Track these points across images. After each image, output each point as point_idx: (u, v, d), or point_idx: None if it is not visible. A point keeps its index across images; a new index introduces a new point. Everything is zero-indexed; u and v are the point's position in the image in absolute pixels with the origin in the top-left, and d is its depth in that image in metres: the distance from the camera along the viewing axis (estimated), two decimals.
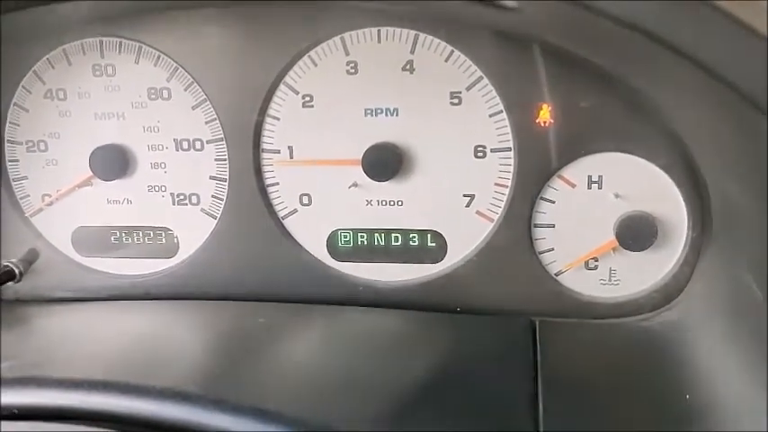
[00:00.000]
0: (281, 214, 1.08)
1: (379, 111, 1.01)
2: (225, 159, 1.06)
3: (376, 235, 1.07)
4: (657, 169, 0.96)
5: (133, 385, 0.70)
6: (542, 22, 0.75)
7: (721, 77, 0.52)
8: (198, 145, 1.07)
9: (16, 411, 0.70)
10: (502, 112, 0.98)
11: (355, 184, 1.04)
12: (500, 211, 1.02)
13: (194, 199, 1.09)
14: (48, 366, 0.78)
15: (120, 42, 1.04)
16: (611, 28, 0.52)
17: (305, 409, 0.76)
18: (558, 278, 1.03)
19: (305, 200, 1.07)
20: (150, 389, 0.69)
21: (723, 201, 0.88)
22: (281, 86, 1.02)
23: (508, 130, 0.98)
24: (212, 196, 1.09)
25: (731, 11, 0.49)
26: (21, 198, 1.13)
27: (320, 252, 1.09)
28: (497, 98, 0.97)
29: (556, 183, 0.99)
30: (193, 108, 1.05)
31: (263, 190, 1.06)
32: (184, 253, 1.12)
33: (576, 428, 0.78)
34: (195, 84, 1.04)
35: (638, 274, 1.01)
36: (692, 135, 0.89)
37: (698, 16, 0.49)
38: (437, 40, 0.97)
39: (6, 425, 0.69)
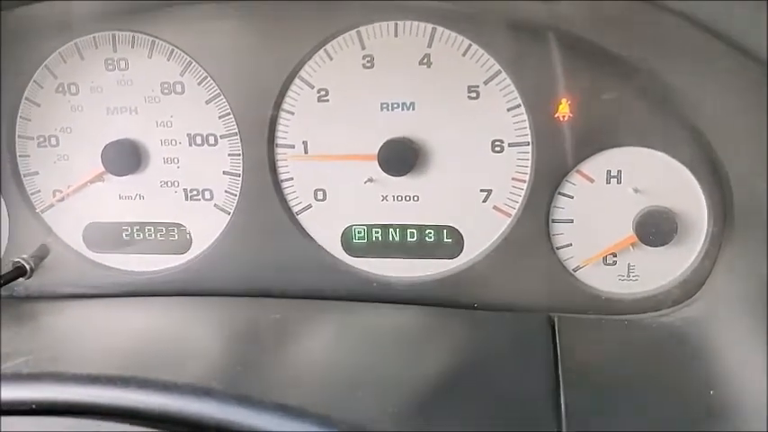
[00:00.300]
0: (295, 210, 1.07)
1: (395, 105, 1.00)
2: (239, 154, 1.05)
3: (391, 231, 1.06)
4: (677, 164, 0.95)
5: (153, 381, 0.69)
6: (582, 17, 0.74)
7: (751, 54, 0.51)
8: (211, 140, 1.06)
9: (34, 406, 0.69)
10: (520, 106, 0.97)
11: (370, 180, 1.03)
12: (518, 206, 1.01)
13: (207, 194, 1.08)
14: (63, 362, 0.77)
15: (133, 36, 1.03)
16: (654, 17, 0.51)
17: (325, 405, 0.75)
18: (576, 274, 1.02)
19: (319, 195, 1.06)
20: (172, 385, 0.68)
21: (747, 195, 0.87)
22: (296, 81, 1.01)
23: (526, 124, 0.97)
24: (226, 191, 1.08)
25: None
26: (32, 193, 1.12)
27: (335, 248, 1.08)
28: (515, 92, 0.96)
29: (574, 177, 0.98)
30: (207, 103, 1.04)
31: (277, 185, 1.05)
32: (197, 249, 1.11)
33: (598, 425, 0.77)
34: (209, 78, 1.03)
35: (658, 270, 1.00)
36: (717, 130, 0.87)
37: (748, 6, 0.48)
38: (454, 34, 0.96)
39: (6, 420, 0.68)
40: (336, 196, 1.05)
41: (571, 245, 1.01)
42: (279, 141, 1.04)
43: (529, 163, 0.99)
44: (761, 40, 0.52)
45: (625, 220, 0.98)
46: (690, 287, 0.98)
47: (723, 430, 0.76)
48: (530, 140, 0.98)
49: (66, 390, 0.69)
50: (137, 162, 1.07)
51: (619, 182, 0.98)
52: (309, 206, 1.06)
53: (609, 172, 0.98)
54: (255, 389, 0.72)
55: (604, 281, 1.02)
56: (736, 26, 0.52)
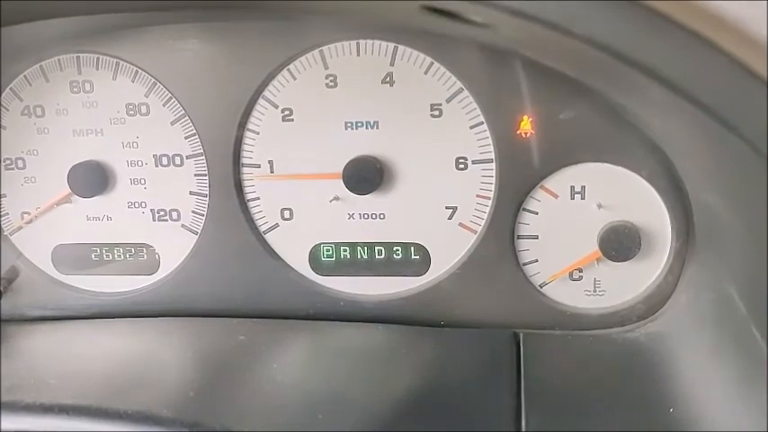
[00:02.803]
0: (262, 229, 1.07)
1: (359, 124, 1.00)
2: (205, 174, 1.05)
3: (359, 248, 1.06)
4: (640, 179, 0.95)
5: (104, 409, 0.69)
6: (517, 38, 0.74)
7: (699, 103, 0.51)
8: (177, 160, 1.06)
9: None
10: (482, 123, 0.97)
11: (337, 198, 1.03)
12: (483, 222, 1.01)
13: (174, 215, 1.08)
14: (21, 390, 0.76)
15: (98, 58, 1.03)
16: (587, 49, 0.52)
17: (284, 428, 0.75)
18: (543, 290, 1.02)
19: (286, 214, 1.06)
20: (122, 413, 0.68)
21: (705, 212, 0.87)
22: (261, 100, 1.01)
23: (489, 141, 0.97)
24: (193, 212, 1.07)
25: (709, 36, 0.48)
26: None
27: (302, 267, 1.08)
28: (477, 109, 0.97)
29: (538, 193, 0.99)
30: (172, 123, 1.04)
31: (243, 205, 1.05)
32: (166, 269, 1.10)
33: None
34: (174, 99, 1.03)
35: (623, 285, 1.00)
36: (673, 148, 0.88)
37: (670, 40, 0.48)
38: (416, 53, 0.96)
39: None
40: (303, 215, 1.05)
41: (537, 261, 1.01)
42: (244, 161, 1.04)
43: (493, 180, 0.99)
44: (736, 112, 0.51)
45: (590, 236, 0.98)
46: (654, 302, 0.98)
47: None
48: (493, 157, 0.98)
49: (19, 420, 0.69)
50: (103, 183, 1.07)
51: (583, 197, 0.98)
52: (276, 225, 1.06)
53: (573, 188, 0.98)
54: (212, 414, 0.72)
55: (571, 296, 1.02)
56: (682, 77, 0.52)
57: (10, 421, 0.69)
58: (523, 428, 0.79)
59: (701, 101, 0.49)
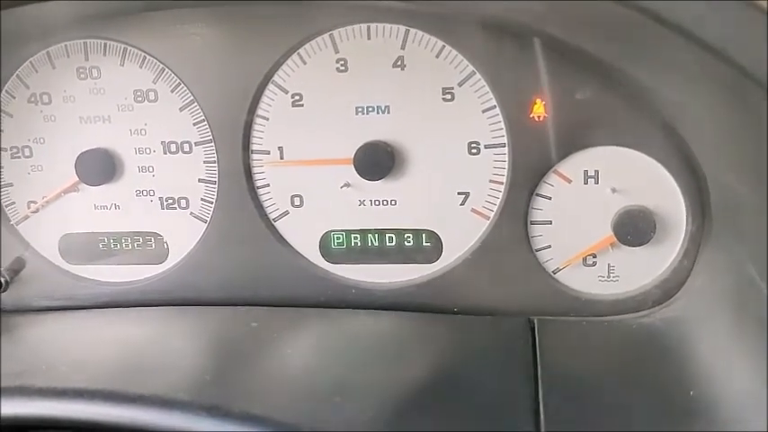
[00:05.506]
0: (272, 216, 1.06)
1: (370, 108, 0.99)
2: (214, 161, 1.04)
3: (370, 236, 1.05)
4: (654, 162, 0.94)
5: (118, 393, 0.68)
6: (539, 11, 0.73)
7: (722, 55, 0.50)
8: (186, 147, 1.05)
9: None
10: (495, 107, 0.96)
11: (347, 184, 1.02)
12: (495, 208, 1.00)
13: (183, 203, 1.07)
14: (31, 376, 0.75)
15: (105, 44, 1.02)
16: (611, 10, 0.51)
17: (298, 413, 0.74)
18: (556, 276, 1.01)
19: (296, 201, 1.05)
20: (137, 397, 0.67)
21: (722, 192, 0.86)
22: (270, 86, 1.00)
23: (502, 125, 0.96)
24: (202, 199, 1.06)
25: None
26: (6, 206, 1.11)
27: (313, 254, 1.06)
28: (490, 93, 0.96)
29: (551, 178, 0.98)
30: (181, 110, 1.03)
31: (253, 192, 1.04)
32: (174, 258, 1.09)
33: (577, 428, 0.76)
34: (182, 85, 1.02)
35: (638, 270, 0.99)
36: (690, 126, 0.87)
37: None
38: (428, 36, 0.95)
39: None
40: (313, 202, 1.04)
41: (550, 246, 1.00)
42: (254, 147, 1.03)
43: (506, 164, 0.98)
44: (737, 44, 0.51)
45: (603, 221, 0.97)
46: (670, 287, 0.98)
47: (703, 430, 0.75)
48: (506, 142, 0.97)
49: (33, 404, 0.68)
50: (111, 171, 1.06)
51: (596, 182, 0.97)
52: (286, 212, 1.05)
53: (586, 172, 0.97)
54: (226, 399, 0.71)
55: (585, 282, 1.01)
56: (708, 30, 0.51)
57: (24, 405, 0.68)
58: (542, 414, 0.78)
59: (719, 51, 0.48)
